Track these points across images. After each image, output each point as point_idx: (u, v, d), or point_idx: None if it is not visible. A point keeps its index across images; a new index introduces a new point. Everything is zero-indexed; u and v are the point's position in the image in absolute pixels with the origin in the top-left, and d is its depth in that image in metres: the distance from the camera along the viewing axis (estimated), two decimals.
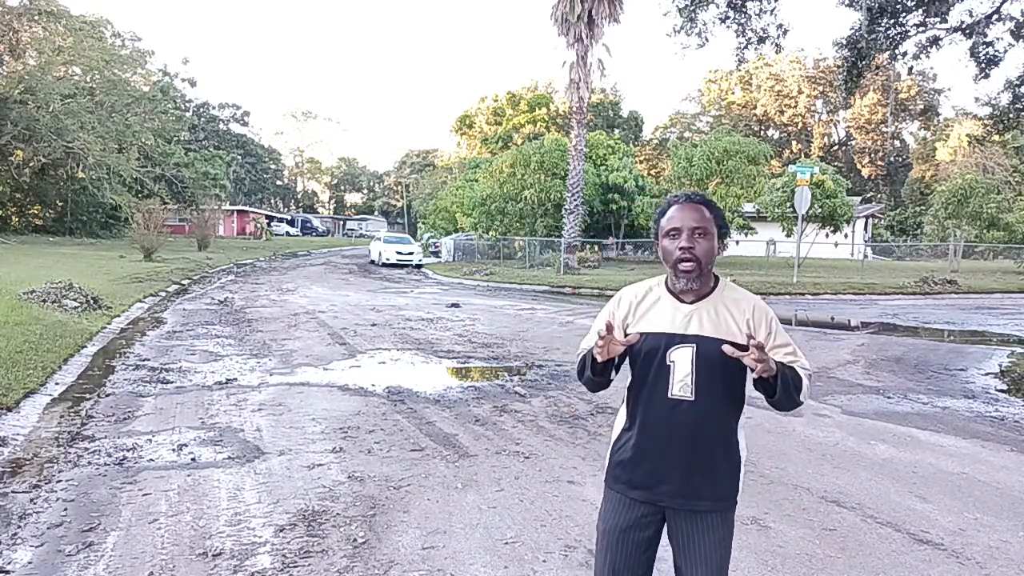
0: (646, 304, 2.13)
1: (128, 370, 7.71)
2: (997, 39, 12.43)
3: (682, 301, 2.09)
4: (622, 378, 2.23)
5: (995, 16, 12.13)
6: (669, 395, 2.04)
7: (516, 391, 7.13)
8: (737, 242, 33.75)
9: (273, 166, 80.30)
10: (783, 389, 1.98)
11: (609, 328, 1.99)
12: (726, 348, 1.94)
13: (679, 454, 2.05)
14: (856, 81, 13.54)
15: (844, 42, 12.87)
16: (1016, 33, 12.14)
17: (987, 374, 8.78)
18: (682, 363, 2.03)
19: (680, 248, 2.03)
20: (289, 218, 74.55)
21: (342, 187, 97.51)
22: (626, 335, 2.09)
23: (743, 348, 1.95)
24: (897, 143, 67.06)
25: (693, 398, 2.02)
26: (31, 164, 33.84)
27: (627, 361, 2.16)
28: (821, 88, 65.39)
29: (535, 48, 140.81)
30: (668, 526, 2.12)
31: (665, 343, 2.05)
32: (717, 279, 2.13)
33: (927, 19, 12.51)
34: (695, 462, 2.05)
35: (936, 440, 5.70)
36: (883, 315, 15.74)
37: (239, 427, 5.59)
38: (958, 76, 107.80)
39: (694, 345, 2.03)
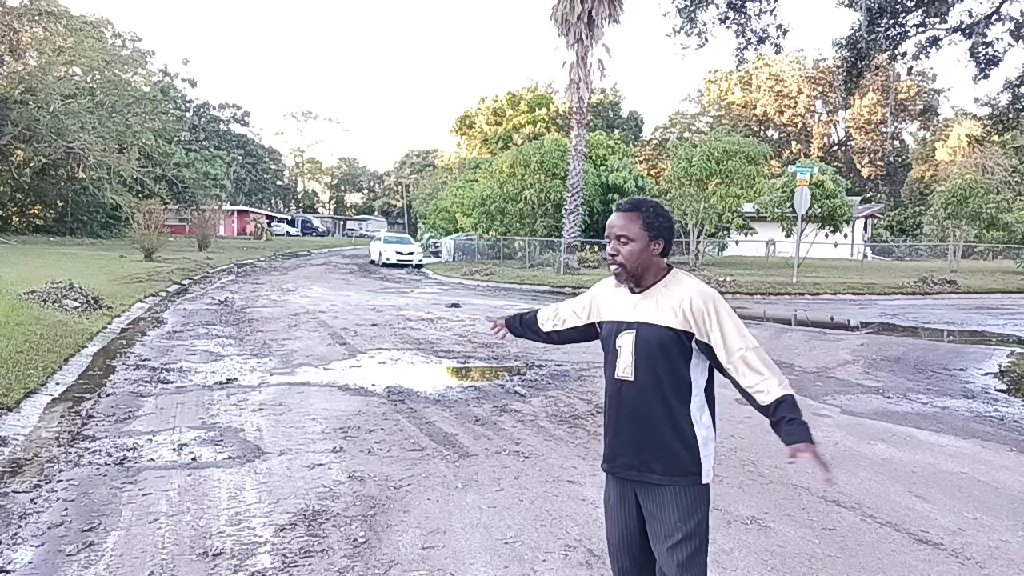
0: (610, 295, 2.37)
1: (128, 370, 7.72)
2: (997, 39, 12.43)
3: (633, 292, 2.28)
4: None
5: (995, 16, 12.13)
6: (616, 376, 2.24)
7: (516, 391, 7.14)
8: (737, 242, 33.83)
9: (273, 166, 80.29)
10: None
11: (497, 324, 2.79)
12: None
13: (627, 430, 2.22)
14: (856, 81, 13.53)
15: (844, 42, 12.87)
16: (1016, 33, 12.14)
17: (987, 374, 8.78)
18: (626, 347, 2.22)
19: (608, 254, 2.28)
20: (289, 218, 74.56)
21: (342, 187, 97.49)
22: (599, 321, 2.42)
23: (683, 334, 2.15)
24: (897, 143, 67.08)
25: (633, 379, 2.19)
26: (31, 164, 33.83)
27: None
28: (821, 88, 65.41)
29: (535, 48, 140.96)
30: (641, 504, 2.24)
31: (615, 329, 2.27)
32: (670, 269, 2.29)
33: (927, 19, 12.50)
34: (642, 439, 2.19)
35: (936, 440, 5.71)
36: (883, 315, 15.74)
37: (239, 427, 5.59)
38: (958, 76, 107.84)
39: (635, 330, 2.20)
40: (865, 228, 44.01)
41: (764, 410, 2.13)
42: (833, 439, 5.63)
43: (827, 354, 9.88)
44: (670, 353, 2.16)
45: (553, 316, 2.65)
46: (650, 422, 2.17)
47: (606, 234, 2.31)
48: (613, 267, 2.26)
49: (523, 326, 2.74)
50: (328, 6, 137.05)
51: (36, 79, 29.65)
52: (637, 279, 2.26)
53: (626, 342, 2.21)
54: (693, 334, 2.16)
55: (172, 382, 7.17)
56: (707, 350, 2.16)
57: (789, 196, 26.52)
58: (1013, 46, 12.33)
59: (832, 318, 15.62)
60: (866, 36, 12.06)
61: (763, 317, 15.01)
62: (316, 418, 5.90)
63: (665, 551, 2.15)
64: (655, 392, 2.17)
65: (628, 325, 2.23)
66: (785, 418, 2.08)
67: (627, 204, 2.29)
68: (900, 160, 64.79)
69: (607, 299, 2.38)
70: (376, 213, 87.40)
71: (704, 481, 2.19)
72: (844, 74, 13.31)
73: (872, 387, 7.76)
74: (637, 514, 2.26)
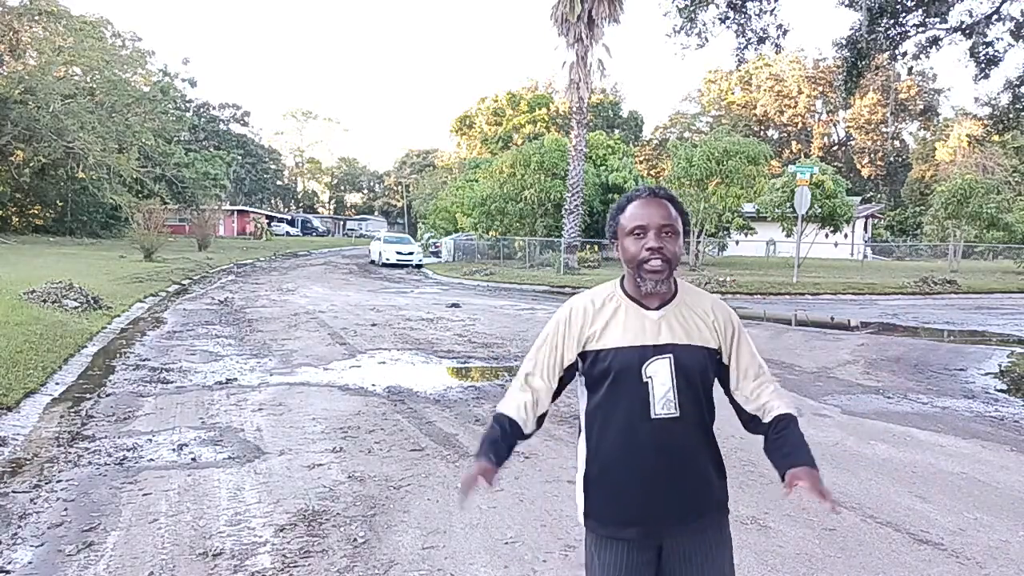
0: (606, 314, 1.90)
1: (128, 370, 7.72)
2: (997, 39, 12.42)
3: (646, 308, 1.89)
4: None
5: (995, 16, 12.12)
6: (653, 415, 1.83)
7: None
8: (737, 242, 33.82)
9: (273, 166, 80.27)
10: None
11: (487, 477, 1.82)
12: None
13: (668, 477, 1.86)
14: (856, 81, 13.52)
15: (844, 42, 12.86)
16: (1016, 33, 12.13)
17: (987, 374, 8.77)
18: (661, 376, 1.83)
19: (648, 248, 1.84)
20: (289, 218, 74.54)
21: (342, 187, 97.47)
22: (584, 352, 1.91)
23: (716, 353, 1.91)
24: (897, 143, 67.09)
25: (678, 414, 1.83)
26: (31, 164, 33.82)
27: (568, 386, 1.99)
28: (821, 88, 65.39)
29: (535, 48, 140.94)
30: (665, 555, 1.90)
31: (637, 357, 1.84)
32: (675, 280, 1.95)
33: (927, 19, 12.49)
34: (687, 480, 1.88)
35: (936, 440, 5.70)
36: (883, 315, 15.74)
37: (239, 427, 5.59)
38: (958, 76, 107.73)
39: (670, 355, 1.85)
40: (865, 228, 44.04)
41: (764, 427, 1.92)
42: (833, 439, 5.63)
43: (827, 354, 9.87)
44: (708, 377, 1.90)
45: (526, 407, 1.95)
46: (694, 459, 1.90)
47: (634, 226, 1.87)
48: (655, 263, 1.83)
49: (507, 448, 1.94)
50: (328, 6, 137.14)
51: (36, 79, 29.62)
52: (670, 283, 1.90)
53: (660, 371, 1.83)
54: (719, 353, 1.92)
55: (172, 382, 7.17)
56: (723, 371, 1.94)
57: (789, 196, 26.52)
58: (1013, 46, 12.32)
59: (832, 318, 15.62)
60: (866, 36, 12.05)
61: (763, 317, 15.01)
62: (316, 418, 5.90)
63: None
64: (698, 426, 1.88)
65: (659, 350, 1.84)
66: (785, 434, 1.88)
67: (660, 191, 1.93)
68: (900, 160, 64.78)
69: (599, 321, 1.90)
70: (376, 213, 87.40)
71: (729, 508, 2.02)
72: (844, 74, 13.30)
73: (872, 387, 7.76)
74: None
